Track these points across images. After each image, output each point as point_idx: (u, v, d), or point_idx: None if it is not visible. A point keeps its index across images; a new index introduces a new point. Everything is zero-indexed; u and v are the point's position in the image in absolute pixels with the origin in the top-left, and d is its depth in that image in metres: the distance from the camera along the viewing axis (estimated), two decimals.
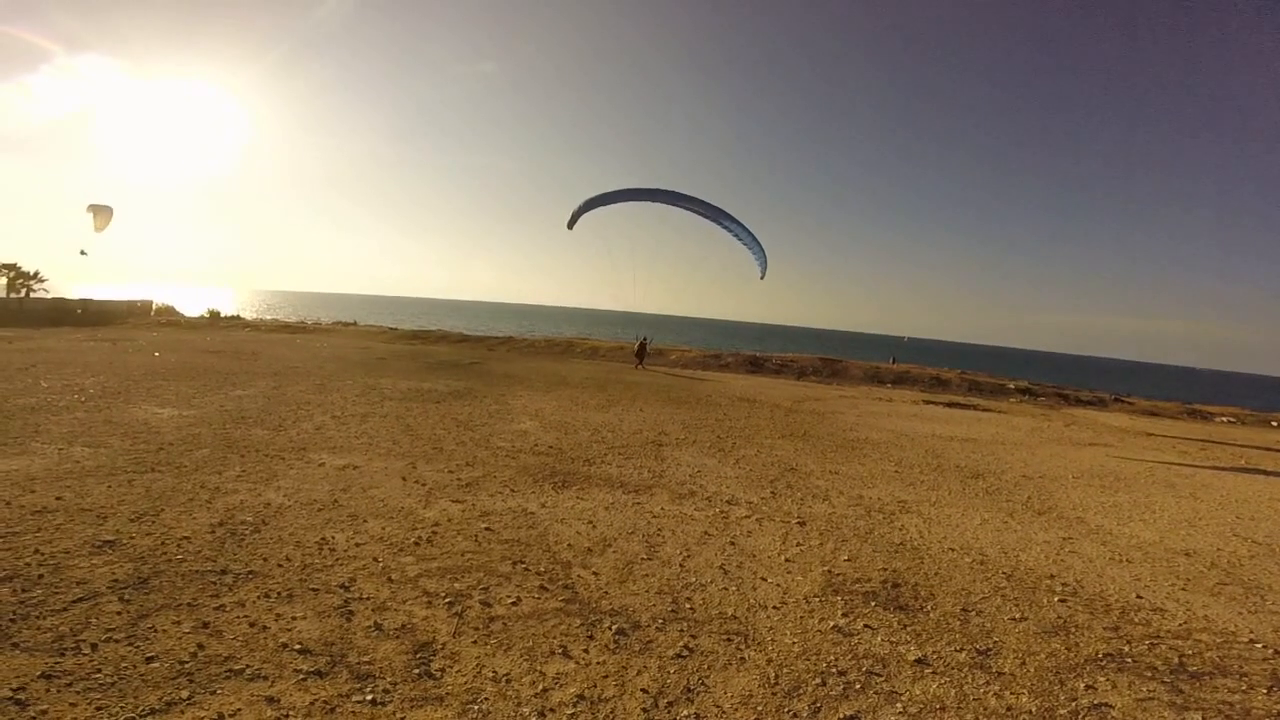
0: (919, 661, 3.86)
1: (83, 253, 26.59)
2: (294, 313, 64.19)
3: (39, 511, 5.13)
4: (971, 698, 3.52)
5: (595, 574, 4.85)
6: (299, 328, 33.81)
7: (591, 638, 3.87)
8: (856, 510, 7.14)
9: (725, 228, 18.57)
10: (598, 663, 3.60)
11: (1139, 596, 5.23)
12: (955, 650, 4.05)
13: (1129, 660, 4.12)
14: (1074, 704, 3.54)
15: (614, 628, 4.00)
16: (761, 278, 19.33)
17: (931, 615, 4.55)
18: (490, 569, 4.77)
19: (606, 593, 4.53)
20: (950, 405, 19.47)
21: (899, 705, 3.39)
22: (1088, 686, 3.74)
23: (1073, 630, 4.49)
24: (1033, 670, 3.88)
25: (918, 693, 3.52)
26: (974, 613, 4.65)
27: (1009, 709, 3.43)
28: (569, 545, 5.40)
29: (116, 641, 3.40)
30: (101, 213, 24.70)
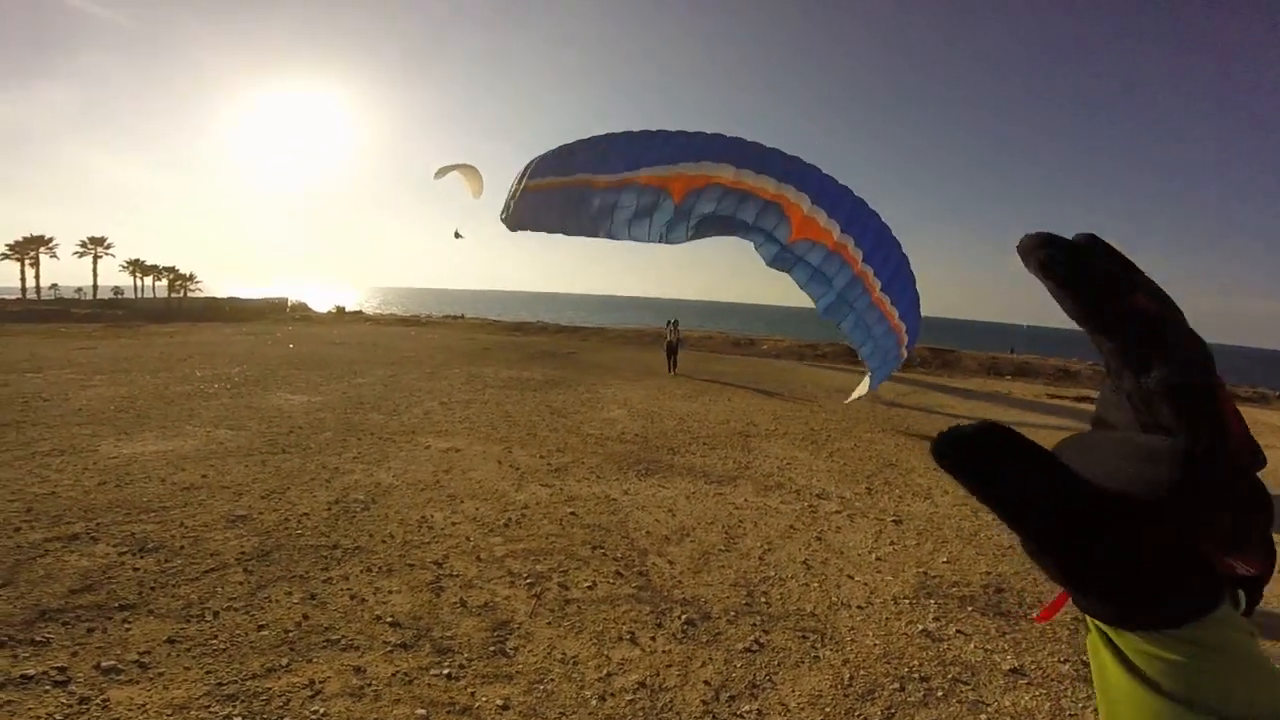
0: (1014, 671, 3.58)
1: (458, 234, 24.67)
2: (407, 307, 68.96)
3: (187, 488, 5.84)
4: (1068, 712, 3.23)
5: (670, 563, 4.88)
6: (413, 321, 36.29)
7: (660, 626, 3.90)
8: (962, 510, 6.67)
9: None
10: (663, 651, 3.63)
11: None
12: (1059, 661, 3.72)
13: None
14: None
15: (684, 618, 4.01)
16: (873, 387, 11.40)
17: (1037, 624, 4.20)
18: (571, 552, 4.93)
19: (680, 582, 4.55)
20: (1079, 399, 17.69)
21: (984, 716, 3.17)
22: None
23: None
24: None
25: (1007, 704, 3.27)
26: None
27: None
28: (647, 533, 5.46)
29: (235, 610, 3.75)
30: (471, 175, 19.09)
